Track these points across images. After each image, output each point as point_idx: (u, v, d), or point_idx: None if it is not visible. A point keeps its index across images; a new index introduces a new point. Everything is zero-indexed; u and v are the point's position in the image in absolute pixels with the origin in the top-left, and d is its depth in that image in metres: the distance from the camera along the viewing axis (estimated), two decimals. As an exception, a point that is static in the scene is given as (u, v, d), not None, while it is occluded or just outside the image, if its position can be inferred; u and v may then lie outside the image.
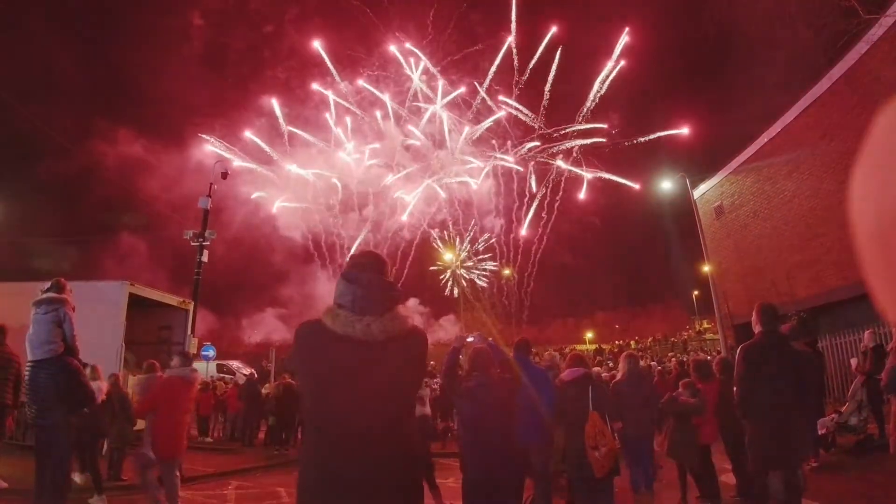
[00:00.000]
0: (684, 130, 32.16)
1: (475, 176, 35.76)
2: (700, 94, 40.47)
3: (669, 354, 27.64)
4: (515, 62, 34.12)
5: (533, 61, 34.24)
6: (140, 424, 7.52)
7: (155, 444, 5.57)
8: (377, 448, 1.89)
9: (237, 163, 31.88)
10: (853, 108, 11.89)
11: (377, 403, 1.94)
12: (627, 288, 46.01)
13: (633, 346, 34.63)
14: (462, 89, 34.42)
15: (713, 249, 19.81)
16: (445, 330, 34.78)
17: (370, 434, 1.90)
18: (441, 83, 34.37)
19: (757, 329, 4.49)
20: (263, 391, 15.50)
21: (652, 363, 18.86)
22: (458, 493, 3.98)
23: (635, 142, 33.33)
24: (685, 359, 18.26)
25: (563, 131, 34.91)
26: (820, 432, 7.44)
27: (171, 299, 13.39)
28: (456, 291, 36.70)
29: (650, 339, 38.99)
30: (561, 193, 35.51)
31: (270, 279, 35.09)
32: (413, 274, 36.41)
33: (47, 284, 5.12)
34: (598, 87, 33.88)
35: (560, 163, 35.15)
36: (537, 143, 35.23)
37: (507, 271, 38.26)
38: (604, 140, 34.19)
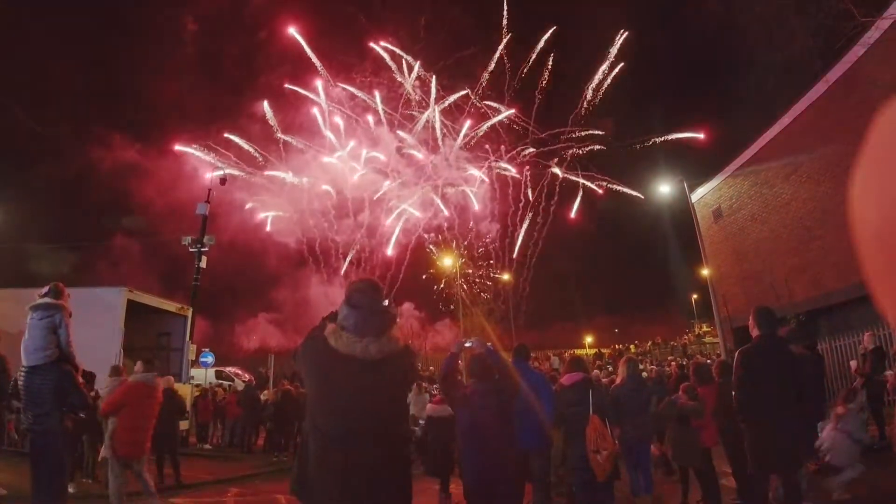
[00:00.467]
0: (700, 135, 32.06)
1: (470, 182, 35.78)
2: (697, 98, 40.66)
3: (669, 358, 27.61)
4: (507, 66, 34.23)
5: (527, 65, 34.33)
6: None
7: (115, 444, 6.02)
8: (372, 446, 2.27)
9: (227, 171, 31.94)
10: (850, 111, 11.92)
11: (372, 411, 2.33)
12: (627, 292, 46.01)
13: (632, 350, 34.61)
14: (459, 94, 34.49)
15: (712, 253, 19.82)
16: (442, 335, 34.72)
17: (366, 435, 2.28)
18: (434, 87, 34.45)
19: (754, 333, 4.49)
20: (262, 398, 15.45)
21: (652, 367, 18.83)
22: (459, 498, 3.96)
23: (638, 147, 33.32)
24: (685, 362, 18.23)
25: (560, 136, 34.97)
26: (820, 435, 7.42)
27: (170, 305, 13.37)
28: (452, 305, 36.60)
29: (650, 343, 38.93)
30: (556, 198, 35.53)
31: (266, 284, 35.02)
32: (407, 278, 36.37)
33: (45, 289, 5.07)
34: (595, 91, 33.98)
35: (557, 170, 35.19)
36: (532, 150, 35.28)
37: (505, 276, 38.23)
38: (602, 146, 34.23)
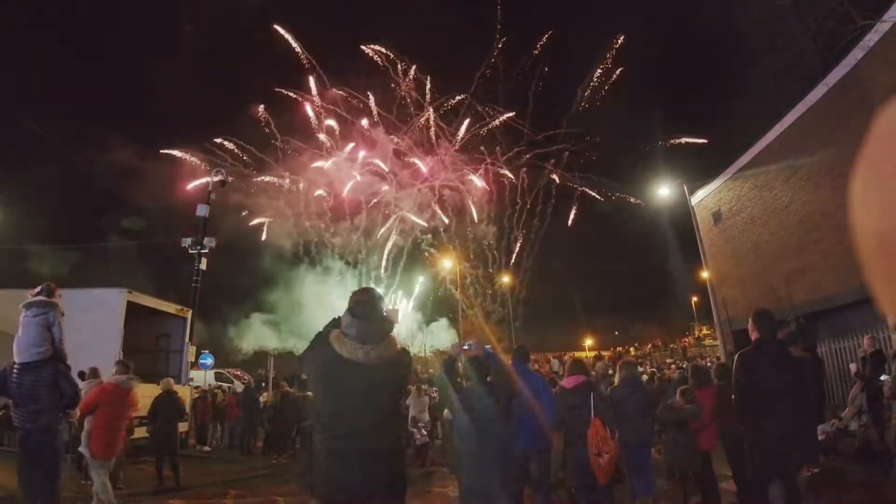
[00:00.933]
0: (702, 140, 32.11)
1: (467, 184, 35.81)
2: (697, 101, 40.69)
3: (668, 361, 27.57)
4: (500, 69, 34.27)
5: (526, 65, 34.36)
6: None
7: (90, 444, 6.37)
8: (372, 440, 2.58)
9: (220, 177, 31.83)
10: (850, 114, 11.92)
11: (372, 409, 2.63)
12: (626, 294, 45.97)
13: (632, 353, 34.55)
14: (456, 97, 34.54)
15: (711, 255, 19.81)
16: (440, 337, 34.68)
17: (367, 430, 2.58)
18: (428, 89, 34.50)
19: (754, 336, 4.48)
20: (261, 399, 15.43)
21: (652, 370, 18.81)
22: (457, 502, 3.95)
23: (638, 151, 33.35)
24: (684, 365, 18.21)
25: (557, 138, 34.98)
26: (820, 438, 7.42)
27: (169, 307, 13.34)
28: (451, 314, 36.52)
29: (649, 346, 38.89)
30: (553, 201, 35.53)
31: (263, 286, 34.99)
32: (406, 279, 36.36)
33: (38, 289, 5.09)
34: (592, 94, 34.02)
35: (555, 176, 35.20)
36: (528, 154, 35.28)
37: (505, 278, 38.20)
38: (600, 150, 34.23)
